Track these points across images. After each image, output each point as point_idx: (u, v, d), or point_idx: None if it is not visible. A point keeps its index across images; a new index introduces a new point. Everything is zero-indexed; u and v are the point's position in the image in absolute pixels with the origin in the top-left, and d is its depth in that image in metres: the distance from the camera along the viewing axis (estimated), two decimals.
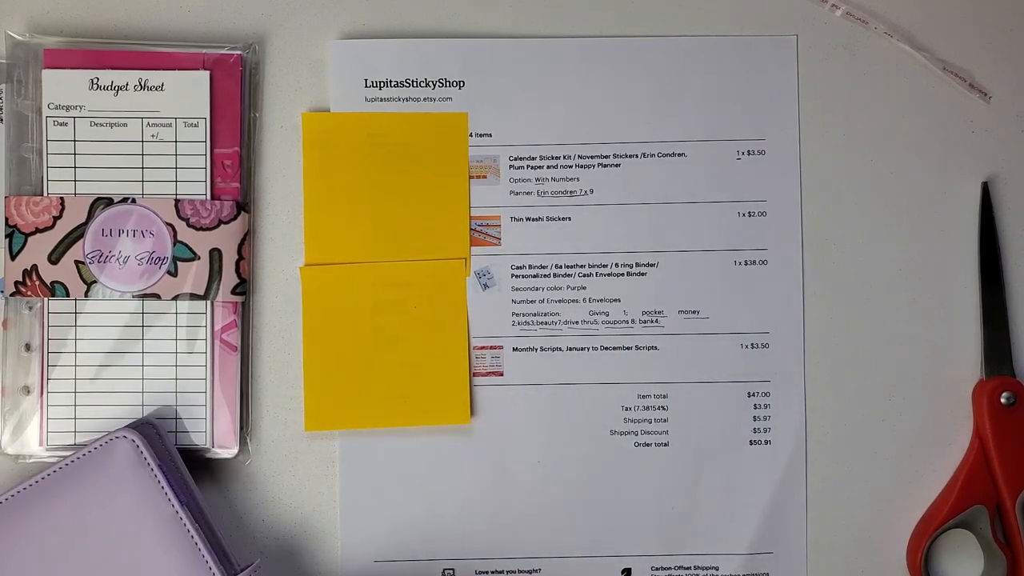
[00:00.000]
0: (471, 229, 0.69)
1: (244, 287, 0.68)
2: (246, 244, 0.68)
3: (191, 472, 0.67)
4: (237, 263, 0.68)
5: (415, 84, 0.69)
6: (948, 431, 0.69)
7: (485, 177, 0.69)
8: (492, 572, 0.69)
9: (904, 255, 0.70)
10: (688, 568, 0.69)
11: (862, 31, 0.70)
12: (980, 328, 0.70)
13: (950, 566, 0.70)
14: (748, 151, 0.69)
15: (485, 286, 0.69)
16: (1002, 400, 0.68)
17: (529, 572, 0.69)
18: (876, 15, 0.70)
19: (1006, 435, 0.68)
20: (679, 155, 0.69)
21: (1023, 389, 0.68)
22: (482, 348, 0.69)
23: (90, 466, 0.64)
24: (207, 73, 0.68)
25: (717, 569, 0.69)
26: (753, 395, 0.69)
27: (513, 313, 0.69)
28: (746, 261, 0.69)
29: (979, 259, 0.70)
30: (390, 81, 0.69)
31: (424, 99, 0.69)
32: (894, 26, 0.70)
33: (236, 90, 0.68)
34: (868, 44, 0.70)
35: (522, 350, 0.69)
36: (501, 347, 0.69)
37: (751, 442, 0.69)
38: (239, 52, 0.68)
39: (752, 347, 0.69)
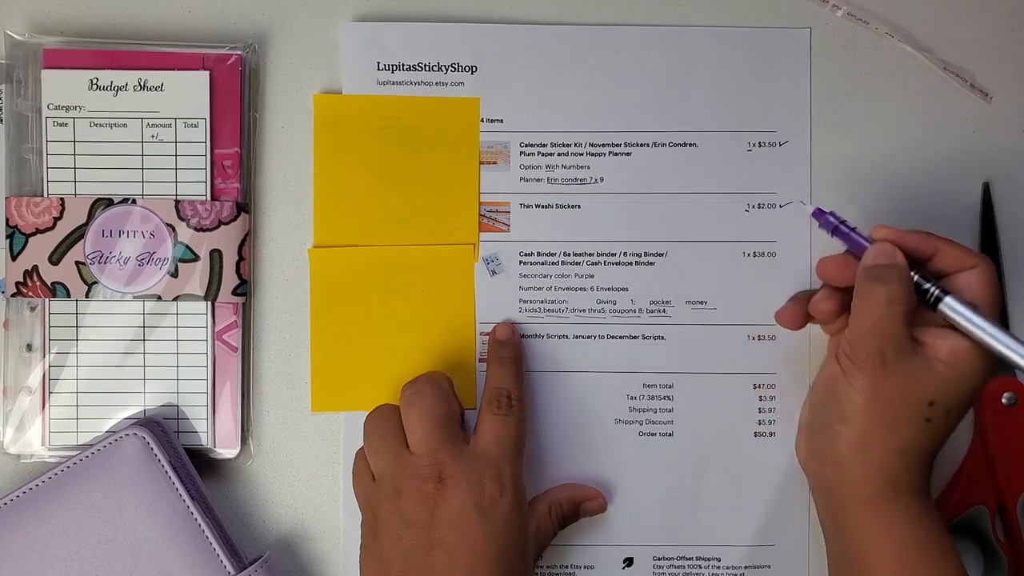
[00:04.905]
0: (480, 215, 0.69)
1: (244, 288, 0.68)
2: (246, 245, 0.68)
3: None
4: (237, 264, 0.67)
5: (427, 68, 0.69)
6: None
7: (495, 163, 0.69)
8: None
9: None
10: (690, 559, 0.69)
11: (862, 31, 0.71)
12: None
13: None
14: (759, 143, 0.69)
15: (493, 272, 0.69)
16: (1002, 400, 0.68)
17: None
18: (876, 15, 0.70)
19: (1006, 435, 0.68)
20: (690, 145, 0.69)
21: (1023, 389, 0.68)
22: (489, 334, 0.69)
23: (100, 463, 0.64)
24: (207, 73, 0.67)
25: (719, 560, 0.69)
26: (759, 387, 0.69)
27: (520, 300, 0.69)
28: (755, 253, 0.69)
29: None
30: (402, 65, 0.69)
31: (436, 83, 0.69)
32: (894, 26, 0.70)
33: (236, 90, 0.68)
34: (868, 44, 0.71)
35: (529, 337, 0.69)
36: None
37: (756, 434, 0.69)
38: (239, 52, 0.68)
39: (759, 339, 0.69)
